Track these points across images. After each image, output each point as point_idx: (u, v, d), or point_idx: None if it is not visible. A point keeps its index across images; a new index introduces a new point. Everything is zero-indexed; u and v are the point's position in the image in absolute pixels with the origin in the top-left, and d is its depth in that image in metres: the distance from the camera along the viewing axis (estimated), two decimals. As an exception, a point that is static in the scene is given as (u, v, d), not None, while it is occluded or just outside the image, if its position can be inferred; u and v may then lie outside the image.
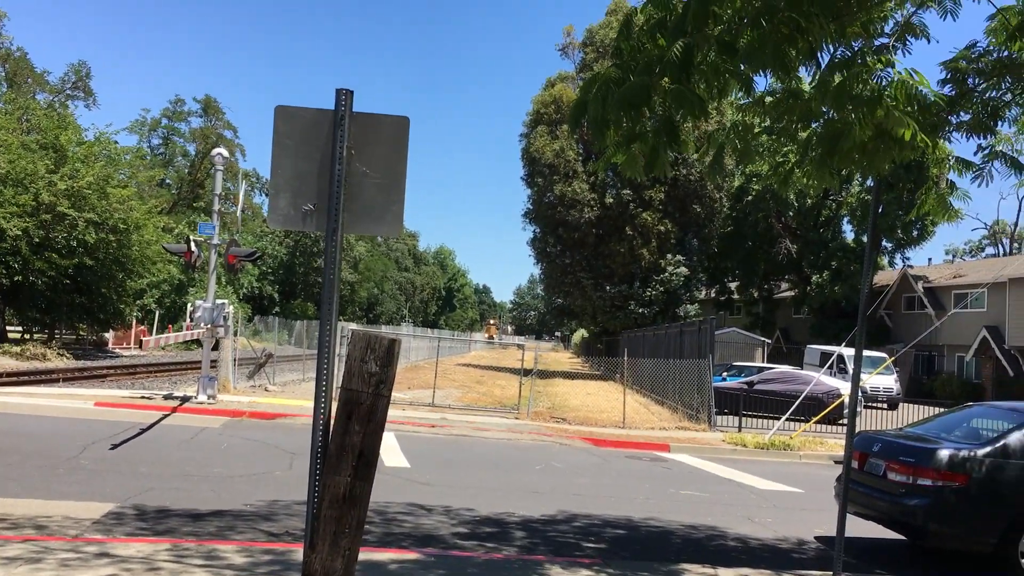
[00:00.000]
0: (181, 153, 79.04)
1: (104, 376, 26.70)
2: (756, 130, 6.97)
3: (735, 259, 60.61)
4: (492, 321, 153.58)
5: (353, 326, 26.68)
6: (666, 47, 5.07)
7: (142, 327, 48.02)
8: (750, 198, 55.76)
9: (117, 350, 43.76)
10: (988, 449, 8.85)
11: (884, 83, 5.39)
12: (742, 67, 5.37)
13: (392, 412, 18.04)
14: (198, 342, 23.17)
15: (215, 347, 21.48)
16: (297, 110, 4.94)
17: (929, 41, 5.77)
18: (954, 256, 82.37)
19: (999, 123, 6.51)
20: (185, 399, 19.46)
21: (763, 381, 27.19)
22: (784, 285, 63.07)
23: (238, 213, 28.31)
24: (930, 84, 5.49)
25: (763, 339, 49.02)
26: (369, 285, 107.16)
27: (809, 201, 54.76)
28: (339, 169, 4.81)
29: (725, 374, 29.66)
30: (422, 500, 10.73)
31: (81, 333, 44.56)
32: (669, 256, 49.14)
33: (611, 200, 48.30)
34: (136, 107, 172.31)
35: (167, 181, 75.29)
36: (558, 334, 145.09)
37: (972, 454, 8.79)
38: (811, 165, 6.66)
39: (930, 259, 75.84)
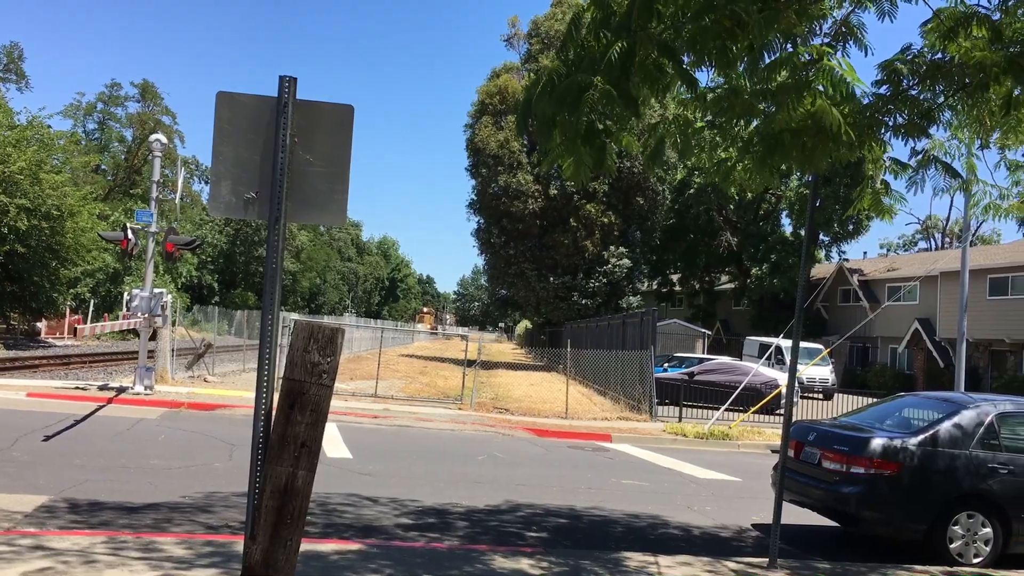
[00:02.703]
0: (117, 139, 77.11)
1: (37, 366, 26.02)
2: (697, 124, 7.06)
3: (677, 251, 61.32)
4: (426, 309, 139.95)
5: (295, 316, 26.35)
6: (608, 45, 5.09)
7: (76, 316, 46.89)
8: (692, 191, 56.43)
9: (50, 340, 42.67)
10: (919, 438, 9.11)
11: (815, 73, 5.49)
12: (684, 61, 5.42)
13: (334, 403, 17.88)
14: (135, 332, 22.70)
15: (152, 337, 21.08)
16: (239, 97, 4.88)
17: (866, 52, 5.90)
18: (888, 250, 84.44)
19: (932, 126, 6.70)
20: (121, 390, 19.08)
21: (703, 372, 27.56)
22: (724, 277, 64.02)
23: (177, 201, 27.81)
24: (857, 75, 5.61)
25: (704, 330, 49.73)
26: (311, 275, 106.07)
27: (749, 195, 55.41)
28: (282, 157, 4.76)
29: (666, 365, 29.99)
30: (365, 491, 10.69)
31: (12, 322, 43.31)
32: (612, 248, 49.52)
33: (555, 192, 48.49)
34: (71, 91, 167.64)
35: (103, 167, 73.43)
36: (502, 325, 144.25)
37: (903, 443, 9.04)
38: (752, 161, 6.77)
39: (865, 253, 77.58)
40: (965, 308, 22.75)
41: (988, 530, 9.01)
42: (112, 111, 76.02)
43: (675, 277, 66.05)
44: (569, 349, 29.27)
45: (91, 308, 47.47)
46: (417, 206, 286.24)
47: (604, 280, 49.47)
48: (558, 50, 5.71)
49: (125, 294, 21.15)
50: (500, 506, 10.58)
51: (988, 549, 9.00)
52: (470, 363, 25.07)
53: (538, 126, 5.55)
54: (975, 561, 8.97)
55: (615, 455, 16.48)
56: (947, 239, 75.02)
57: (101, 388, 19.49)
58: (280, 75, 4.79)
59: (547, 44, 48.79)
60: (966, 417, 9.30)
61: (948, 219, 75.83)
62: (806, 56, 5.49)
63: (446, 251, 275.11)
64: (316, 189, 4.93)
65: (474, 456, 14.86)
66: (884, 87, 6.36)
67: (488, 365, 41.41)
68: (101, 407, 16.92)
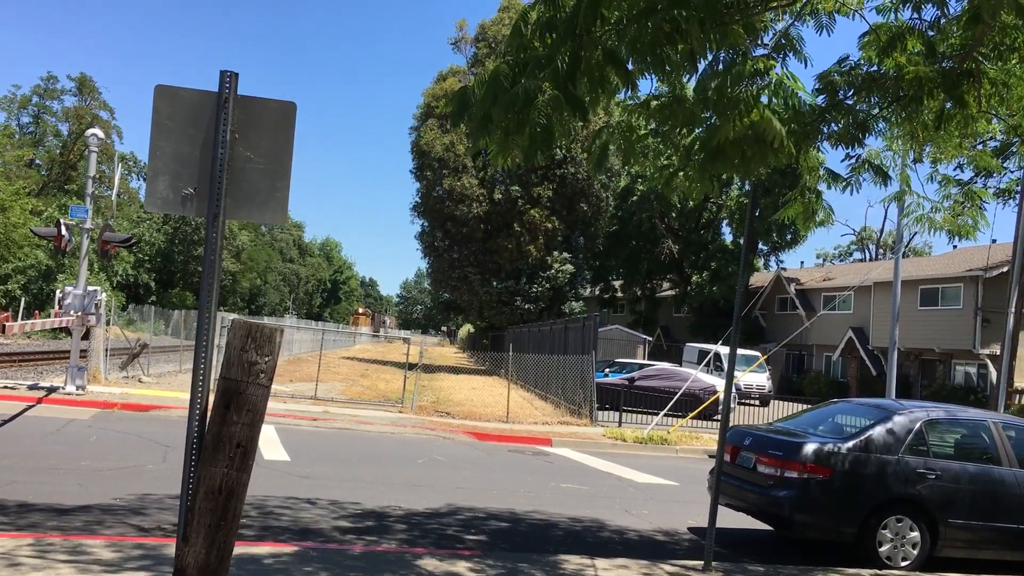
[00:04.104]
0: (53, 133, 75.26)
1: (-38, 365, 25.22)
2: (641, 131, 7.13)
3: (619, 258, 61.85)
4: (362, 310, 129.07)
5: (234, 316, 25.94)
6: (553, 47, 5.10)
7: (6, 313, 45.53)
8: (635, 198, 56.98)
9: (-23, 338, 41.36)
10: (850, 443, 9.31)
11: (761, 85, 5.58)
12: (628, 68, 5.47)
13: (273, 405, 17.72)
14: (67, 331, 22.15)
15: (85, 336, 20.58)
16: (178, 90, 4.80)
17: (805, 64, 6.02)
18: (824, 260, 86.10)
19: (867, 136, 6.87)
20: (52, 389, 18.59)
21: (643, 377, 27.82)
22: (666, 284, 64.74)
23: (113, 197, 27.20)
24: (806, 88, 5.72)
25: (645, 336, 50.18)
26: (252, 275, 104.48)
27: (691, 203, 56.28)
28: (222, 153, 4.69)
29: (607, 370, 30.20)
30: (302, 493, 10.57)
31: (-62, 319, 41.97)
32: (556, 253, 49.74)
33: (500, 196, 48.55)
34: (4, 83, 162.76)
35: (37, 162, 71.63)
36: (444, 329, 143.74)
37: (836, 448, 9.23)
38: (693, 169, 6.86)
39: (802, 262, 78.77)
40: (897, 318, 23.31)
41: (916, 534, 9.24)
42: (48, 104, 74.22)
43: (617, 283, 66.59)
44: (511, 353, 29.33)
45: (22, 306, 46.13)
46: (361, 208, 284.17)
47: (547, 285, 49.66)
48: (504, 50, 5.70)
49: (58, 292, 20.59)
50: (440, 509, 10.55)
51: (916, 552, 9.23)
52: (412, 366, 24.96)
53: (474, 125, 5.52)
54: (903, 564, 9.18)
55: (555, 459, 16.54)
56: (881, 250, 76.82)
57: (31, 388, 18.98)
58: (221, 70, 4.74)
59: (494, 48, 48.82)
60: (897, 423, 9.52)
61: (882, 231, 77.73)
62: (753, 69, 5.57)
63: (389, 254, 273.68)
64: (256, 186, 4.87)
65: (414, 459, 14.79)
66: (821, 97, 6.50)
67: (430, 369, 41.27)
68: (30, 407, 16.48)
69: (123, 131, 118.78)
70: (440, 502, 10.96)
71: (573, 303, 51.19)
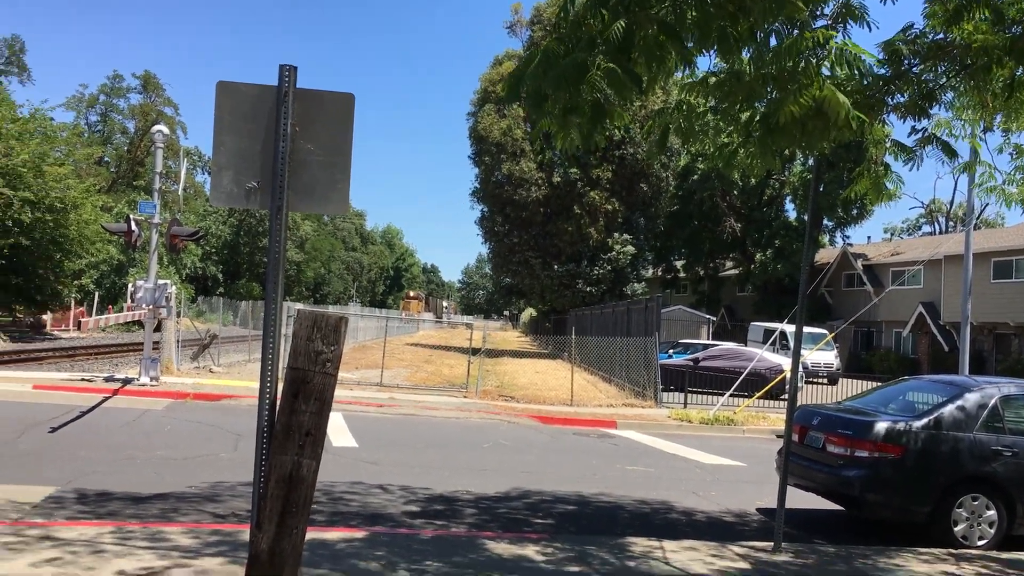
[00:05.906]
0: (120, 130, 77.37)
1: (42, 359, 26.07)
2: (700, 109, 7.02)
3: (681, 237, 61.26)
4: (412, 294, 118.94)
5: (299, 306, 26.35)
6: (607, 23, 5.04)
7: (81, 308, 46.97)
8: (696, 177, 56.30)
9: (55, 332, 42.71)
10: (922, 421, 9.12)
11: (821, 57, 5.43)
12: (688, 46, 5.38)
13: (339, 392, 17.97)
14: (139, 323, 22.76)
15: (157, 328, 21.13)
16: (239, 86, 4.88)
17: (869, 28, 5.84)
18: (892, 234, 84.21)
19: (934, 106, 6.67)
20: (127, 381, 19.14)
21: (708, 358, 27.58)
22: (729, 263, 63.92)
23: (179, 192, 27.75)
24: (869, 52, 5.55)
25: (708, 316, 49.71)
26: (316, 265, 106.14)
27: (753, 181, 55.31)
28: (283, 146, 4.77)
29: (671, 351, 30.00)
30: (370, 479, 10.73)
31: (18, 315, 43.38)
32: (616, 235, 49.50)
33: (559, 179, 48.43)
34: (73, 83, 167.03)
35: (106, 159, 73.64)
36: (507, 313, 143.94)
37: (907, 426, 9.05)
38: (753, 145, 6.74)
39: (869, 237, 76.94)
40: (969, 292, 22.69)
41: (992, 512, 9.03)
42: (114, 103, 76.32)
43: (679, 264, 65.96)
44: (574, 337, 29.30)
45: (96, 300, 47.57)
46: (421, 195, 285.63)
47: (608, 267, 49.47)
48: (555, 24, 5.65)
49: (129, 286, 21.17)
50: (508, 493, 10.62)
51: (992, 531, 9.02)
52: (475, 351, 25.11)
53: (529, 100, 5.48)
54: (979, 543, 8.98)
55: (620, 441, 16.51)
56: (951, 223, 74.74)
57: (107, 380, 19.56)
58: (280, 64, 4.80)
59: (549, 31, 48.58)
60: (970, 400, 9.30)
61: (952, 203, 75.55)
62: (811, 41, 5.43)
63: (451, 240, 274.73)
64: (317, 178, 4.94)
65: (480, 444, 14.90)
66: (884, 67, 6.32)
67: (493, 353, 41.46)
68: (107, 398, 16.99)
69: (187, 126, 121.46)
70: (507, 486, 11.03)
71: (635, 284, 50.95)
